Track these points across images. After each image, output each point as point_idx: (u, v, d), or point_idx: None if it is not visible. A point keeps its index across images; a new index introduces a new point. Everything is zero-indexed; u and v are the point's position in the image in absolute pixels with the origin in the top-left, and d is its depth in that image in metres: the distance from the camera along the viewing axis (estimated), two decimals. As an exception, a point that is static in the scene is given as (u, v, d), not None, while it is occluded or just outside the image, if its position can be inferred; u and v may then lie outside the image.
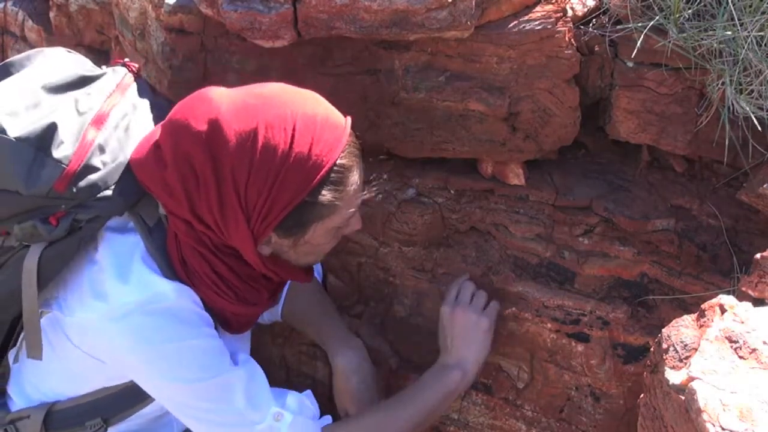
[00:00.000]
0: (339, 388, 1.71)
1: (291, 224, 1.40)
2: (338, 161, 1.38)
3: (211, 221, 1.40)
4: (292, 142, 1.34)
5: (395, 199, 1.80)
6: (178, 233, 1.45)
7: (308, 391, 1.60)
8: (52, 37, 2.52)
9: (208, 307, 1.50)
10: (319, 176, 1.36)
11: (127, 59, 1.69)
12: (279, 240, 1.44)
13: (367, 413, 1.63)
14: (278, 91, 1.42)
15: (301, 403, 1.54)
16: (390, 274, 1.84)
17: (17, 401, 1.64)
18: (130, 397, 1.56)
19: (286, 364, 1.99)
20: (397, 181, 1.82)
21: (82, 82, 1.52)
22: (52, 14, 2.50)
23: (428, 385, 1.63)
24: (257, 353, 1.91)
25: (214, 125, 1.35)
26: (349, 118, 1.44)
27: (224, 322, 1.55)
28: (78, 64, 1.57)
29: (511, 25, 1.62)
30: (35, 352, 1.54)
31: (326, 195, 1.38)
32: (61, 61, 1.56)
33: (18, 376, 1.66)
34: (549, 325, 1.71)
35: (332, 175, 1.38)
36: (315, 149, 1.36)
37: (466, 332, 1.66)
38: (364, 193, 1.51)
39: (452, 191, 1.80)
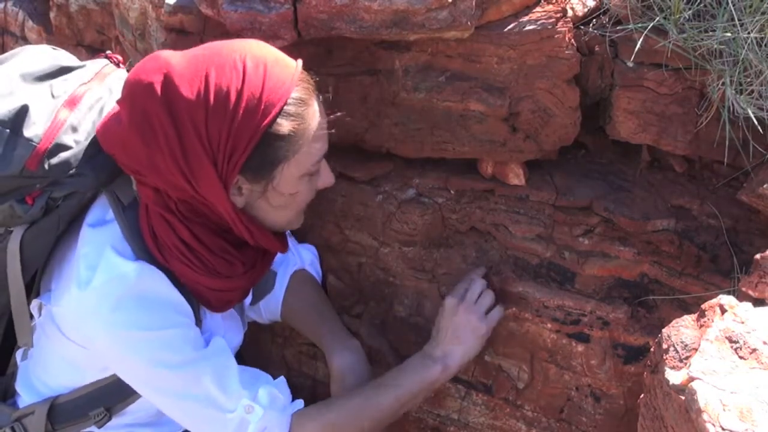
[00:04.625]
0: (334, 388, 1.71)
1: (258, 164, 1.41)
2: (293, 94, 1.41)
3: (178, 176, 1.41)
4: (243, 80, 1.37)
5: (395, 199, 1.80)
6: (148, 202, 1.47)
7: (281, 379, 1.59)
8: (52, 37, 2.52)
9: (182, 285, 1.50)
10: (276, 108, 1.38)
11: (109, 51, 1.71)
12: (249, 186, 1.44)
13: (340, 398, 1.62)
14: (225, 41, 1.46)
15: (272, 396, 1.53)
16: (390, 274, 1.84)
17: (25, 398, 1.66)
18: (128, 385, 1.57)
19: (286, 364, 1.99)
20: (397, 182, 1.82)
21: (60, 71, 1.55)
22: (52, 14, 2.51)
23: (408, 375, 1.62)
24: (257, 353, 1.91)
25: (167, 77, 1.38)
26: (300, 60, 1.46)
27: (203, 300, 1.55)
28: (60, 57, 1.60)
29: (512, 25, 1.62)
30: (25, 339, 1.61)
31: (286, 125, 1.40)
32: (43, 55, 1.59)
33: (26, 373, 1.68)
34: (549, 326, 1.71)
35: (289, 107, 1.40)
36: (268, 84, 1.38)
37: (461, 332, 1.66)
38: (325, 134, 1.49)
39: (452, 191, 1.80)
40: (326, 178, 1.55)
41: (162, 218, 1.47)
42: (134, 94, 1.40)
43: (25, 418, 1.62)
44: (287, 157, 1.43)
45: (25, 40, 2.72)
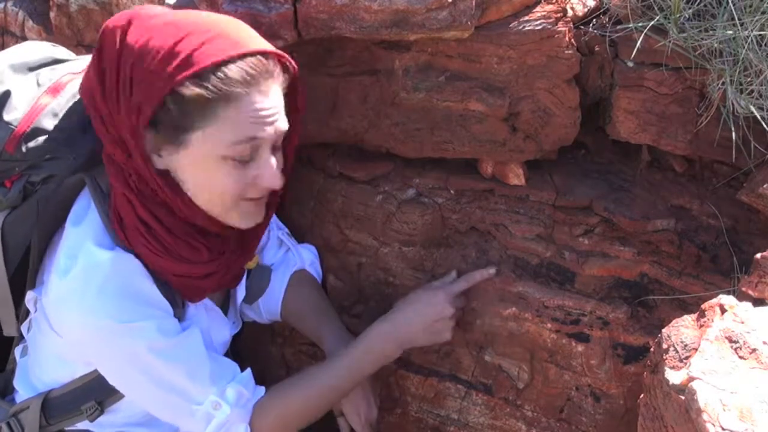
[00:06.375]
0: None
1: (166, 122, 1.38)
2: (225, 70, 1.36)
3: (110, 120, 1.42)
4: (180, 40, 1.36)
5: (395, 199, 1.80)
6: (112, 180, 1.47)
7: (247, 372, 1.58)
8: (52, 37, 2.52)
9: (151, 272, 1.49)
10: (189, 71, 1.35)
11: None
12: (163, 145, 1.41)
13: (298, 381, 1.62)
14: (218, 14, 1.47)
15: (239, 394, 1.53)
16: (390, 274, 1.84)
17: (23, 394, 1.67)
18: None
19: (286, 364, 1.99)
20: (397, 181, 1.82)
21: (53, 63, 1.57)
22: (52, 14, 2.50)
23: (363, 354, 1.64)
24: (257, 353, 1.91)
25: (128, 23, 1.40)
26: (270, 48, 1.42)
27: (175, 288, 1.53)
28: (57, 51, 1.61)
29: (511, 25, 1.62)
30: (9, 328, 1.63)
31: (193, 90, 1.35)
32: (40, 48, 1.61)
33: (24, 369, 1.69)
34: (549, 325, 1.71)
35: (208, 74, 1.35)
36: (200, 50, 1.36)
37: (433, 322, 1.67)
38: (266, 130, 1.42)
39: (452, 191, 1.80)
40: (268, 177, 1.44)
41: (124, 197, 1.46)
42: (102, 34, 1.42)
43: (21, 413, 1.64)
44: (199, 127, 1.38)
45: (25, 40, 2.72)
